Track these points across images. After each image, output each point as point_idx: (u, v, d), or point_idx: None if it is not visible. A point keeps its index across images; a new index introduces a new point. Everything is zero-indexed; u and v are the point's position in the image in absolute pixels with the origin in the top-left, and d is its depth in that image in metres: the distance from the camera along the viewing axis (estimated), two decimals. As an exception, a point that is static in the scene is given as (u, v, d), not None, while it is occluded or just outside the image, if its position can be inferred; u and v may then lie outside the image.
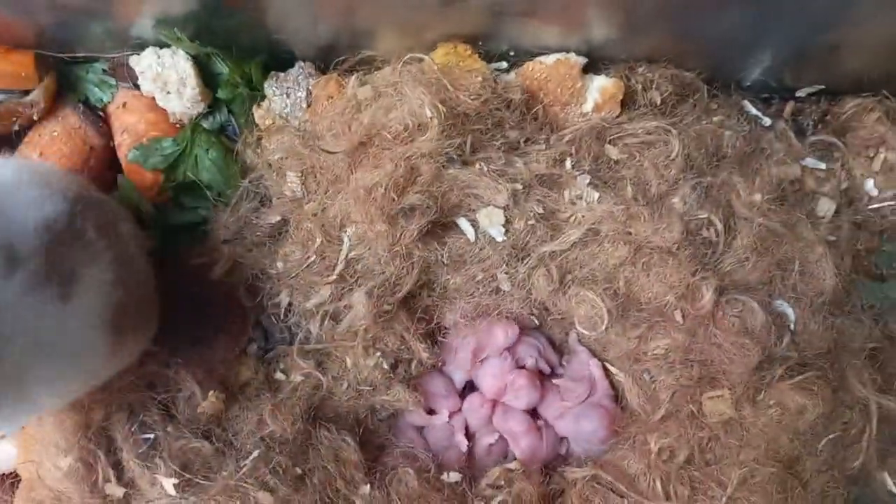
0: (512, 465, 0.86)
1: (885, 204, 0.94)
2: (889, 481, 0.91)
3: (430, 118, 0.78)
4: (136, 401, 0.78)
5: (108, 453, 0.77)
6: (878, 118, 0.93)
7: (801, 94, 0.96)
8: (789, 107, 0.97)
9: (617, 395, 0.89)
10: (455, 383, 0.90)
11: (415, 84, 0.79)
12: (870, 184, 0.94)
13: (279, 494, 0.76)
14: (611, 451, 0.86)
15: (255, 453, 0.78)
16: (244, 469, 0.76)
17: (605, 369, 0.89)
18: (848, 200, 0.94)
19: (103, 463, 0.76)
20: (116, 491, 0.77)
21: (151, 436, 0.77)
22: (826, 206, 0.93)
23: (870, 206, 0.94)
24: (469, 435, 0.90)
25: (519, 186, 0.81)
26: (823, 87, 0.95)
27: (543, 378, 0.89)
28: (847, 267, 0.92)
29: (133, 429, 0.77)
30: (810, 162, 0.93)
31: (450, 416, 0.89)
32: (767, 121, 0.95)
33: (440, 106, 0.77)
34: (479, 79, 0.81)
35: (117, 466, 0.77)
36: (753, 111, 0.95)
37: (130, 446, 0.76)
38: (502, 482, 0.84)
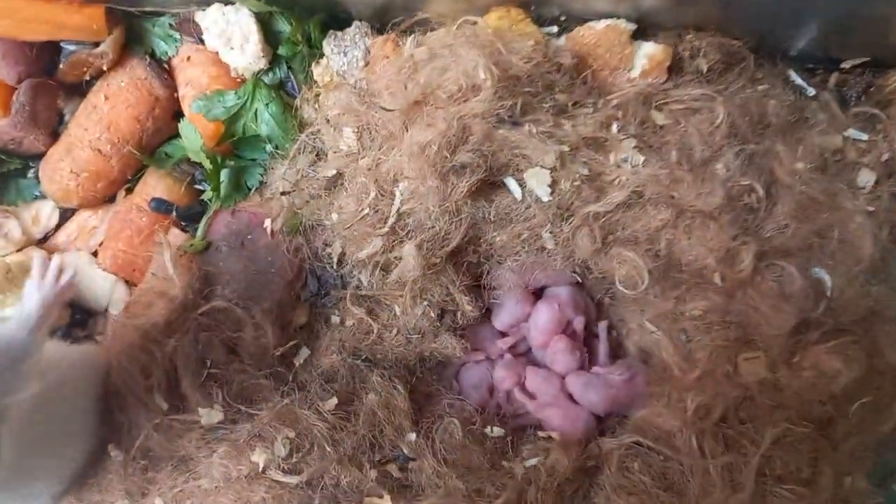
0: (552, 434, 0.89)
1: (925, 176, 0.95)
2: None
3: (484, 80, 0.80)
4: (203, 338, 0.83)
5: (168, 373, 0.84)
6: (923, 92, 0.94)
7: (845, 65, 0.97)
8: (834, 78, 0.98)
9: (651, 355, 0.92)
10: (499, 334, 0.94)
11: (469, 46, 0.81)
12: (911, 156, 0.95)
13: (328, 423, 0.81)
14: (645, 410, 0.89)
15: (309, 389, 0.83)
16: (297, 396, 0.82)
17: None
18: (888, 172, 0.95)
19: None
20: (161, 403, 0.84)
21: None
22: (866, 177, 0.94)
23: (910, 179, 0.96)
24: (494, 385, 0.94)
25: (566, 148, 0.84)
26: (868, 59, 0.96)
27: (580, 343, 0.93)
28: (885, 236, 0.93)
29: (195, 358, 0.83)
30: (853, 133, 0.94)
31: (487, 359, 0.94)
32: (811, 91, 0.96)
33: (493, 68, 0.80)
34: (531, 42, 0.83)
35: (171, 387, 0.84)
36: (798, 81, 0.96)
37: (189, 375, 0.82)
38: (540, 450, 0.87)
